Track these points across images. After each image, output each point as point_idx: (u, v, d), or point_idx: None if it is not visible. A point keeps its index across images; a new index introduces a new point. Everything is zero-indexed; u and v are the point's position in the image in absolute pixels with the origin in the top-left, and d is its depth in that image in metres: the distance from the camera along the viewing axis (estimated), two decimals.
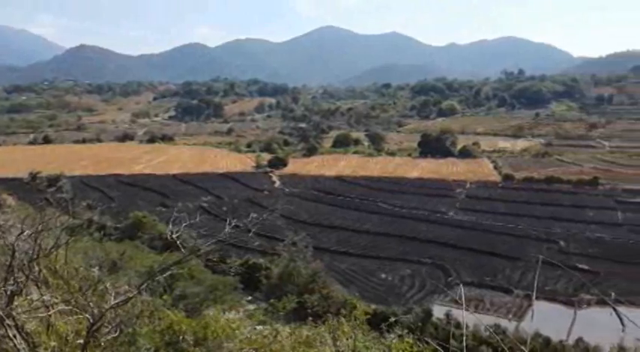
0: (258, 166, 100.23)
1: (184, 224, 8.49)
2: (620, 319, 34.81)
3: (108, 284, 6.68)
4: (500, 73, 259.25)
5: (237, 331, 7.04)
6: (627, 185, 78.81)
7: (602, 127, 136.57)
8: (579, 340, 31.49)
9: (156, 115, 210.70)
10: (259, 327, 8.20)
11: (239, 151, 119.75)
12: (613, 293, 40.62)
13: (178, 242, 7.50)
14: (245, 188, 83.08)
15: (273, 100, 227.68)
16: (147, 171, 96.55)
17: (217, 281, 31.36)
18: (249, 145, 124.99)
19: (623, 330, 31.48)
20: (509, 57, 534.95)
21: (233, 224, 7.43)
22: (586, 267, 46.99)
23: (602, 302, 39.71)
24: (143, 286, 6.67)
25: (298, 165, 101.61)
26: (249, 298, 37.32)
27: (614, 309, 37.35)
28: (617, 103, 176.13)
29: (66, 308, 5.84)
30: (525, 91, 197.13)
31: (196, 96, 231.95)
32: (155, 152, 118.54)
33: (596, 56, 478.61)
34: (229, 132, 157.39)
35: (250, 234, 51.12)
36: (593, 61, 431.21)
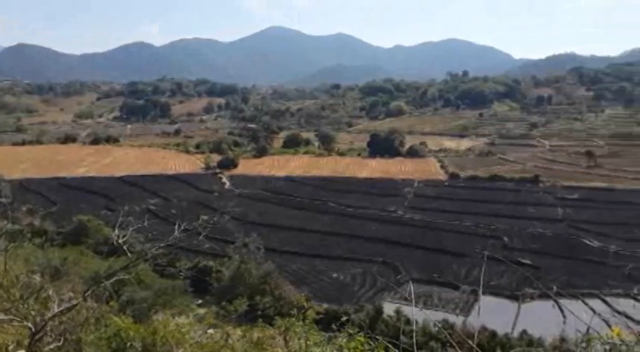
0: (207, 167, 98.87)
1: (131, 228, 8.31)
2: (562, 311, 36.31)
3: (51, 292, 6.47)
4: (445, 74, 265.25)
5: (187, 336, 6.95)
6: (566, 182, 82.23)
7: (542, 127, 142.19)
8: (523, 332, 32.65)
9: (100, 116, 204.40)
10: (210, 331, 8.13)
11: (187, 152, 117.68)
12: (554, 287, 42.32)
13: (125, 246, 7.34)
14: (194, 189, 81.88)
15: (222, 100, 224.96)
16: (91, 174, 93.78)
17: (166, 285, 30.82)
18: (197, 146, 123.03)
19: (564, 322, 32.79)
20: (453, 58, 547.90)
21: (183, 228, 7.33)
22: (529, 262, 48.69)
23: (544, 296, 41.27)
24: (88, 292, 6.49)
25: (248, 166, 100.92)
26: (200, 301, 36.84)
27: (556, 302, 38.91)
28: (556, 103, 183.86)
29: (6, 317, 5.62)
30: (469, 92, 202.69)
31: (142, 96, 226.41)
32: (99, 154, 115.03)
33: (536, 58, 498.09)
34: (177, 132, 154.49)
35: (200, 237, 50.42)
36: (534, 63, 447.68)
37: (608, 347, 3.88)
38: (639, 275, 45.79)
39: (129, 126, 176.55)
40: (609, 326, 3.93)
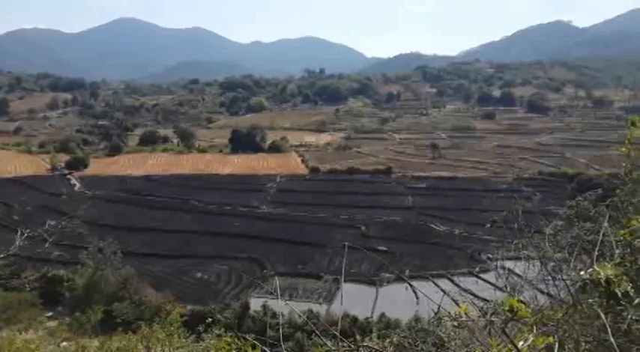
0: (54, 168, 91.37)
1: None
2: (415, 293, 38.99)
3: None
4: (303, 71, 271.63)
5: None
6: (415, 172, 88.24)
7: (392, 121, 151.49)
8: (382, 315, 34.68)
9: None
10: (64, 344, 7.56)
11: (30, 152, 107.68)
12: (408, 270, 45.37)
13: None
14: (39, 193, 75.22)
15: (68, 96, 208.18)
16: None
17: (11, 299, 28.10)
18: (41, 146, 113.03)
19: (417, 303, 35.27)
20: (310, 56, 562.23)
21: (26, 235, 6.72)
22: (385, 249, 51.70)
23: (399, 279, 44.05)
24: None
25: (101, 166, 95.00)
26: (51, 314, 34.13)
27: (410, 284, 41.69)
28: (404, 99, 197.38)
29: None
30: (326, 89, 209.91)
31: None
32: None
33: (386, 57, 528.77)
34: (17, 131, 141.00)
35: (47, 245, 46.58)
36: (384, 62, 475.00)
37: (456, 323, 4.26)
38: (480, 255, 50.60)
39: None
40: (457, 303, 4.31)
